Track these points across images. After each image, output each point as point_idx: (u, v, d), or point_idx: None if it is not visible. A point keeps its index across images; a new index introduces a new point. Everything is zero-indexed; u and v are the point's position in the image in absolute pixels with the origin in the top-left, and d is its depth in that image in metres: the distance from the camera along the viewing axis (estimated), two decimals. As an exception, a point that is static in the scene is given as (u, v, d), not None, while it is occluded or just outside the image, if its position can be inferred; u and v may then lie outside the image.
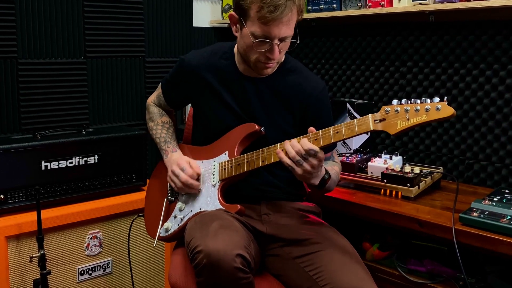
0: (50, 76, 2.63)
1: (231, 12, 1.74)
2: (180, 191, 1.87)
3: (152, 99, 2.09)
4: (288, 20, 1.63)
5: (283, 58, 1.82)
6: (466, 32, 2.35)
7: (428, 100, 1.41)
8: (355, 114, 2.53)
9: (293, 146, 1.56)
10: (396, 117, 1.45)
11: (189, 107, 2.23)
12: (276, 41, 1.66)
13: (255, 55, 1.72)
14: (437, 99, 1.41)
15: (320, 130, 1.57)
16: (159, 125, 2.01)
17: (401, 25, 2.58)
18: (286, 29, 1.64)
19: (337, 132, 1.54)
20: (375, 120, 1.49)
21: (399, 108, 1.44)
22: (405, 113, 1.43)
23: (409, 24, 2.55)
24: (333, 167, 1.82)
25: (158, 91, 2.05)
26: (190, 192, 1.86)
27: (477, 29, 2.31)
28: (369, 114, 1.50)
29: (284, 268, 1.74)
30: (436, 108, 1.39)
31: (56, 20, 2.62)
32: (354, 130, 1.52)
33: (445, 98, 1.41)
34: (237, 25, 1.74)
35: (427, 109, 1.40)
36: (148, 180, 2.12)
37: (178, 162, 1.84)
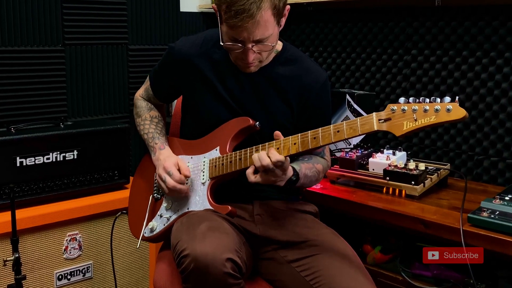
0: (25, 65, 2.60)
1: (213, 4, 1.69)
2: (168, 195, 1.85)
3: (140, 93, 2.06)
4: (257, 23, 1.56)
5: (269, 56, 1.76)
6: (475, 18, 2.33)
7: (438, 100, 1.39)
8: (355, 106, 2.51)
9: (262, 160, 1.55)
10: (403, 117, 1.42)
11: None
12: (249, 45, 1.62)
13: (233, 54, 1.71)
14: (448, 98, 1.38)
15: (320, 128, 1.55)
16: (147, 120, 1.99)
17: (405, 10, 2.57)
18: (259, 31, 1.58)
19: (338, 131, 1.52)
20: (379, 120, 1.46)
21: (406, 107, 1.42)
22: (413, 113, 1.41)
23: (413, 9, 2.53)
24: (314, 165, 1.80)
25: (146, 84, 2.03)
26: (178, 196, 1.83)
27: (487, 14, 2.30)
28: (373, 113, 1.48)
29: (278, 273, 1.73)
30: (447, 109, 1.37)
31: (31, 4, 2.59)
32: (356, 130, 1.49)
33: (457, 98, 1.39)
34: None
35: (436, 109, 1.38)
36: (131, 178, 2.10)
37: (165, 165, 1.80)
